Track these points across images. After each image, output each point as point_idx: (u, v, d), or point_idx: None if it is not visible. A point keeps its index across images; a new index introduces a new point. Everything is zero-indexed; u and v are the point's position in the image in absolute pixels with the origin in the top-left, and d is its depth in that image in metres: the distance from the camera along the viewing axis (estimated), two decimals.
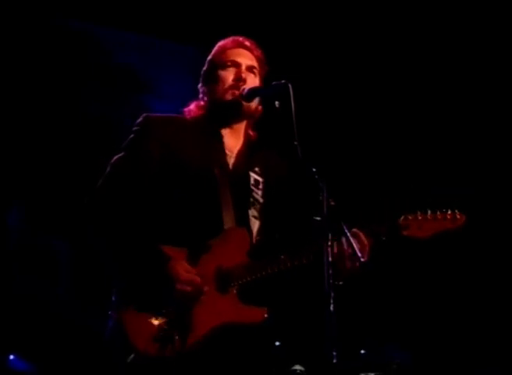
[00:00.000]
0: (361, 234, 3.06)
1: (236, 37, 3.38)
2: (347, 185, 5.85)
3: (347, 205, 2.90)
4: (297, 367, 5.14)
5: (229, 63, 3.29)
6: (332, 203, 2.70)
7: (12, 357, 5.69)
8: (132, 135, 3.25)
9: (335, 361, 2.50)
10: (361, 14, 6.21)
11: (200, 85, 3.41)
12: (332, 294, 2.56)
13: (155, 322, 2.93)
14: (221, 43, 3.41)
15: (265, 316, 3.04)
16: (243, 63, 3.29)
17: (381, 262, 3.44)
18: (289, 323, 5.41)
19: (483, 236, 6.16)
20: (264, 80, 3.36)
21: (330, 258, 2.60)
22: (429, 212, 3.17)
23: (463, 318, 6.30)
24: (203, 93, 3.38)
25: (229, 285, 3.03)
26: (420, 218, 3.16)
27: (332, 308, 2.54)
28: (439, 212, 3.18)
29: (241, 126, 3.36)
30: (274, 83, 3.06)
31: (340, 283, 2.97)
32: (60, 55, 6.12)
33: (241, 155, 3.32)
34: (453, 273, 6.38)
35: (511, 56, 6.17)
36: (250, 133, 3.38)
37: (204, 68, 3.41)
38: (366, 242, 3.05)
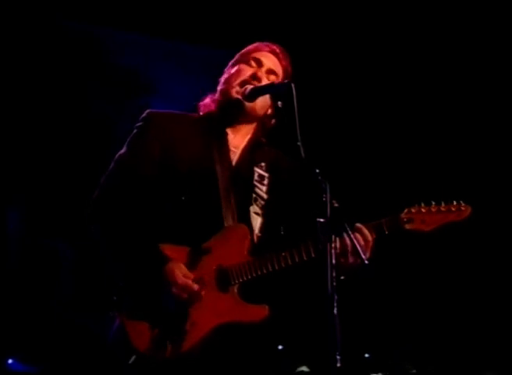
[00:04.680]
0: (365, 229, 3.02)
1: (271, 43, 3.38)
2: (350, 182, 5.84)
3: (350, 201, 2.86)
4: (303, 368, 5.11)
5: (252, 60, 3.29)
6: (336, 204, 2.66)
7: (10, 361, 5.69)
8: (135, 130, 3.24)
9: (339, 364, 2.46)
10: (363, 15, 6.20)
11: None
12: (336, 297, 2.52)
13: (155, 324, 2.90)
14: (255, 44, 3.40)
15: (267, 314, 2.99)
16: (266, 65, 3.28)
17: (383, 262, 3.40)
18: (292, 323, 5.38)
19: (483, 236, 6.16)
20: None
21: (334, 260, 2.57)
22: (433, 204, 3.09)
23: (465, 319, 6.29)
24: (218, 82, 3.36)
25: (229, 284, 3.00)
26: (423, 211, 3.07)
27: (335, 310, 2.50)
28: (443, 204, 3.09)
29: (248, 128, 3.32)
30: (277, 82, 3.03)
31: (342, 278, 2.91)
32: (61, 55, 6.12)
33: (246, 150, 3.29)
34: (454, 274, 6.37)
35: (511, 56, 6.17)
36: (262, 139, 3.34)
37: (231, 61, 3.41)
38: (370, 238, 3.00)
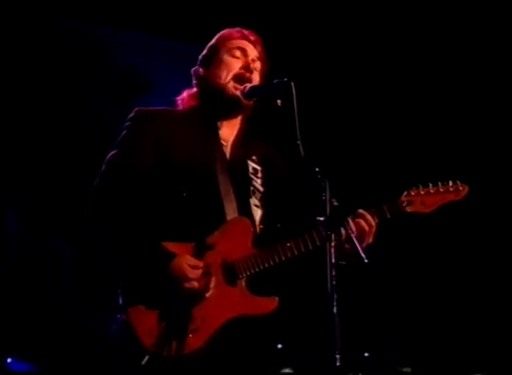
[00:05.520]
0: (367, 215, 3.04)
1: (242, 29, 3.34)
2: (349, 172, 5.85)
3: (350, 189, 2.87)
4: (287, 370, 5.10)
5: (237, 50, 3.26)
6: (335, 203, 2.65)
7: (9, 360, 5.68)
8: (124, 131, 3.19)
9: (338, 364, 2.46)
10: (363, 13, 6.20)
11: (196, 69, 3.35)
12: (335, 296, 2.52)
13: (164, 321, 2.87)
14: (226, 31, 3.36)
15: (277, 305, 2.99)
16: (251, 54, 3.27)
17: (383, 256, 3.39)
18: (297, 317, 5.36)
19: (482, 235, 6.16)
20: (265, 77, 3.32)
21: (333, 260, 2.56)
22: (431, 185, 3.15)
23: (465, 317, 6.29)
24: (201, 76, 3.31)
25: (237, 277, 2.99)
26: (422, 192, 3.13)
27: (335, 310, 2.50)
28: (440, 185, 3.16)
29: (237, 120, 3.32)
30: (276, 81, 3.04)
31: (343, 263, 2.93)
32: (61, 55, 6.12)
33: (237, 144, 3.28)
34: (454, 271, 6.37)
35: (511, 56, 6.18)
36: (244, 125, 3.35)
37: (205, 52, 3.37)
38: (373, 223, 3.03)
